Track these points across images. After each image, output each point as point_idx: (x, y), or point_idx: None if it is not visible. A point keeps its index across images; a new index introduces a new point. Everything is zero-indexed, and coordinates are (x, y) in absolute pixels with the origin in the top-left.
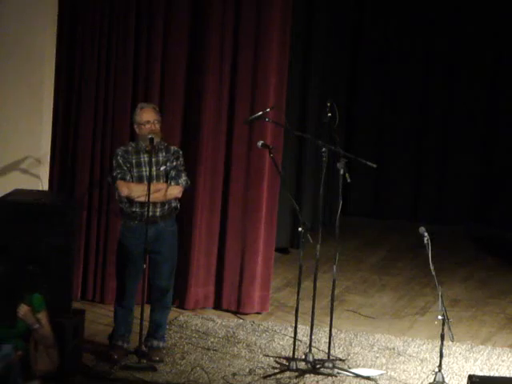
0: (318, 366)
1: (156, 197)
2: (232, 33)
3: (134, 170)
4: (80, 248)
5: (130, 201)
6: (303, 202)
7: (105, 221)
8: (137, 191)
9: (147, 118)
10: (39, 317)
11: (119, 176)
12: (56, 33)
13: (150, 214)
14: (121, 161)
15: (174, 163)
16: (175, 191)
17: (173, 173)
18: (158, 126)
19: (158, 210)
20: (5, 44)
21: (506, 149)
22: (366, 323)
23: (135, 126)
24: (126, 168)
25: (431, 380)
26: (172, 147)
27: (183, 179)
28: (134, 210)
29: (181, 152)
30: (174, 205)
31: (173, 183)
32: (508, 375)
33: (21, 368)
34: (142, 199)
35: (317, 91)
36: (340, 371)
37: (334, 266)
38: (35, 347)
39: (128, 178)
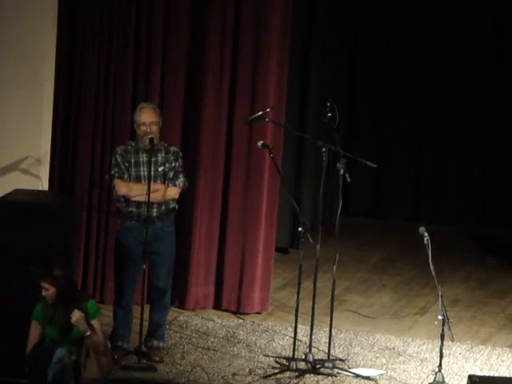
0: (317, 366)
1: (153, 197)
2: (232, 33)
3: (132, 170)
4: (80, 248)
5: (127, 200)
6: (303, 201)
7: (105, 221)
8: (135, 190)
9: (144, 119)
10: (92, 323)
11: (117, 175)
12: (56, 33)
13: (147, 214)
14: (119, 159)
15: (173, 164)
16: (172, 192)
17: (171, 174)
18: (153, 129)
19: (155, 210)
20: (5, 44)
21: (506, 149)
22: (366, 323)
23: (135, 126)
24: (124, 167)
25: (431, 380)
26: (172, 148)
27: (181, 180)
28: (130, 209)
29: (180, 153)
30: (171, 206)
31: (170, 184)
32: (508, 375)
33: (73, 373)
34: (139, 199)
35: (317, 91)
36: (340, 371)
37: (334, 266)
38: (86, 354)
39: (125, 177)
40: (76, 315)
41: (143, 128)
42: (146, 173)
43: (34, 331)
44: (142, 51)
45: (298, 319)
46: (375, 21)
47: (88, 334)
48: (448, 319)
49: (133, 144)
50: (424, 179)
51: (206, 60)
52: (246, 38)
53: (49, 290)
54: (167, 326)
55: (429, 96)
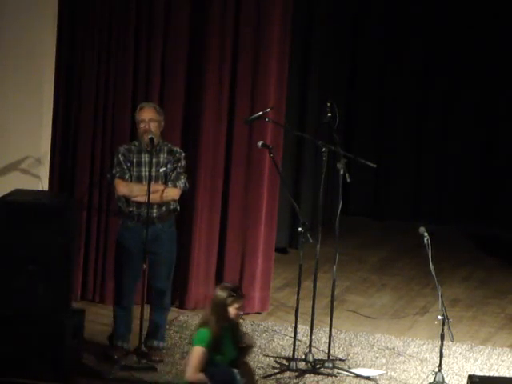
0: (318, 366)
1: (153, 198)
2: (232, 33)
3: (134, 170)
4: (80, 248)
5: (127, 200)
6: (303, 201)
7: (105, 221)
8: (135, 191)
9: (142, 116)
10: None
11: (118, 174)
12: (56, 33)
13: (147, 214)
14: (121, 159)
15: (175, 165)
16: (172, 193)
17: (172, 175)
18: (152, 126)
19: (155, 210)
20: (5, 44)
21: (506, 149)
22: (365, 323)
23: (136, 125)
24: (125, 167)
25: (431, 380)
26: (175, 148)
27: (182, 181)
28: (130, 209)
29: (183, 154)
30: (172, 207)
31: (170, 185)
32: (508, 375)
33: None
34: (139, 199)
35: (317, 91)
36: (340, 371)
37: (334, 266)
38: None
39: (127, 177)
40: (250, 337)
41: (142, 125)
42: (147, 173)
43: (203, 358)
44: (142, 51)
45: (298, 319)
46: (375, 21)
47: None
48: (448, 319)
49: (136, 144)
50: (424, 179)
51: (206, 60)
52: (246, 38)
53: (239, 310)
54: (167, 326)
55: (429, 96)
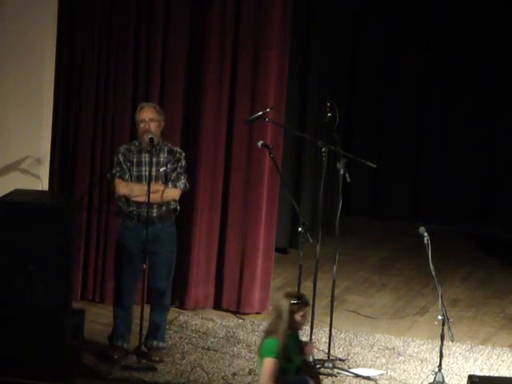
0: (317, 366)
1: (153, 198)
2: (232, 33)
3: (134, 169)
4: (80, 248)
5: (127, 200)
6: (303, 201)
7: (105, 221)
8: (135, 190)
9: (142, 116)
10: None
11: (118, 174)
12: (56, 33)
13: (147, 214)
14: (121, 159)
15: (175, 165)
16: (172, 193)
17: (172, 175)
18: (152, 125)
19: (155, 210)
20: (5, 44)
21: (506, 149)
22: (365, 323)
23: (136, 125)
24: (125, 167)
25: (431, 380)
26: (175, 148)
27: (182, 182)
28: (131, 209)
29: (183, 154)
30: (172, 207)
31: (170, 185)
32: (508, 375)
33: None
34: (139, 199)
35: (317, 91)
36: (340, 371)
37: (334, 266)
38: None
39: (127, 176)
40: (311, 345)
41: (142, 125)
42: (147, 173)
43: (275, 368)
44: (142, 51)
45: None
46: (375, 21)
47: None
48: (448, 319)
49: (136, 144)
50: (424, 179)
51: (206, 60)
52: (246, 38)
53: (304, 317)
54: (167, 326)
55: (429, 96)
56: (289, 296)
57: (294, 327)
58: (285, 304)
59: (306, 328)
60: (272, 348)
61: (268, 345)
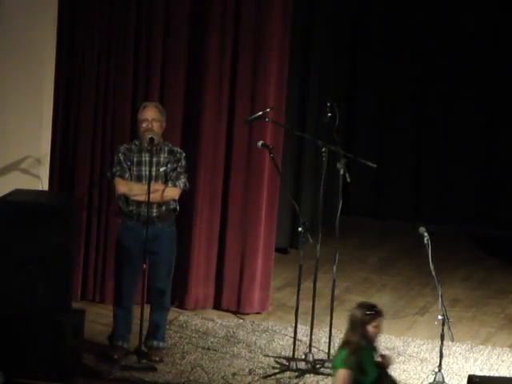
0: (317, 366)
1: (153, 197)
2: (232, 33)
3: (134, 169)
4: (80, 248)
5: (127, 199)
6: (303, 201)
7: (105, 221)
8: (135, 190)
9: (145, 115)
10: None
11: (118, 173)
12: (56, 33)
13: (147, 214)
14: (122, 158)
15: (175, 165)
16: (172, 193)
17: (172, 174)
18: (155, 125)
19: (155, 210)
20: (5, 44)
21: (506, 149)
22: None
23: (138, 124)
24: (125, 166)
25: (431, 380)
26: (175, 148)
27: (181, 181)
28: (130, 209)
29: (184, 154)
30: (172, 206)
31: (170, 185)
32: (508, 375)
33: None
34: (139, 198)
35: (317, 91)
36: None
37: (334, 266)
38: None
39: (127, 176)
40: (388, 357)
41: (145, 124)
42: (147, 172)
43: (349, 380)
44: (142, 51)
45: (298, 319)
46: (375, 21)
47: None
48: (448, 319)
49: (137, 143)
50: (424, 179)
51: (206, 60)
52: (246, 38)
53: (378, 328)
54: (167, 326)
55: (429, 96)
56: (362, 307)
57: (367, 339)
58: (357, 315)
59: (307, 328)
60: (341, 360)
61: (341, 355)
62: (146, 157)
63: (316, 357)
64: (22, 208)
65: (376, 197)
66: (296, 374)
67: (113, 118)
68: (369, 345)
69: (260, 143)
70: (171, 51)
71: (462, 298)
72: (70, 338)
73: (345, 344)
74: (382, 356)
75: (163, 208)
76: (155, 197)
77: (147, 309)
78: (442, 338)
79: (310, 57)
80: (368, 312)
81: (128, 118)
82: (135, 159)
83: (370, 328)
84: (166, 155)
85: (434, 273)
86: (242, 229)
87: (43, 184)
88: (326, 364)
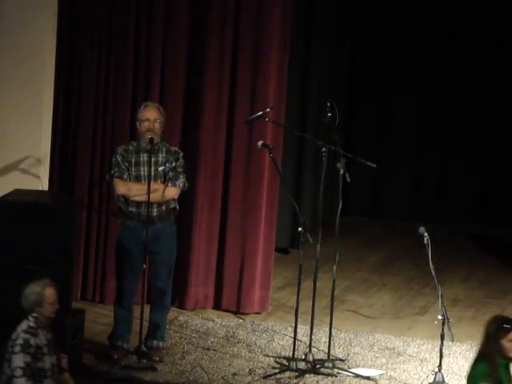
0: (317, 366)
1: (152, 197)
2: (232, 33)
3: (133, 169)
4: (80, 248)
5: (126, 200)
6: (303, 201)
7: (105, 221)
8: (134, 190)
9: (147, 115)
10: None
11: (116, 174)
12: (56, 33)
13: (147, 214)
14: (119, 159)
15: (173, 164)
16: (171, 192)
17: (171, 174)
18: (156, 126)
19: (155, 210)
20: (5, 44)
21: (506, 149)
22: (365, 323)
23: (137, 124)
24: (124, 167)
25: (431, 380)
26: (173, 148)
27: (181, 181)
28: (130, 209)
29: (181, 154)
30: (172, 206)
31: (170, 184)
32: None
33: None
34: (138, 199)
35: (317, 91)
36: (340, 371)
37: (334, 266)
38: None
39: (125, 176)
40: None
41: (146, 124)
42: (146, 172)
43: None
44: (142, 51)
45: (298, 319)
46: (375, 20)
47: None
48: (448, 319)
49: (134, 144)
50: (424, 179)
51: (206, 60)
52: (246, 38)
53: None
54: (167, 326)
55: (429, 96)
56: (497, 321)
57: (502, 354)
58: (490, 328)
59: (307, 328)
60: (483, 372)
61: (481, 369)
62: (144, 157)
63: (316, 357)
64: (22, 208)
65: (376, 197)
66: (296, 373)
67: (113, 118)
68: (503, 359)
69: (260, 143)
70: (171, 51)
71: (461, 298)
72: (69, 338)
73: (482, 358)
74: None
75: (163, 208)
76: (155, 196)
77: (147, 309)
78: (442, 337)
79: (310, 57)
80: (501, 326)
81: (128, 118)
82: (133, 160)
83: (505, 343)
84: (164, 155)
85: (433, 273)
86: (242, 229)
87: (43, 184)
88: (326, 364)
